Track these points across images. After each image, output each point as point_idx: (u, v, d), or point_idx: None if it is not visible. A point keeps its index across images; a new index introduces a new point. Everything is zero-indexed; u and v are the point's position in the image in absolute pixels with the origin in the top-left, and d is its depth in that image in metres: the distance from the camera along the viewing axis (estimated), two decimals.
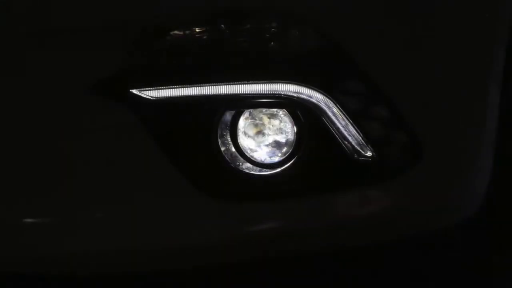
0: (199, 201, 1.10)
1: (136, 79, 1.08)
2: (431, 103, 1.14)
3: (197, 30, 1.09)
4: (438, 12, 1.13)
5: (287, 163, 1.12)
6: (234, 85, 1.08)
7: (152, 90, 1.07)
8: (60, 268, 1.14)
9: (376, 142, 1.12)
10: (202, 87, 1.08)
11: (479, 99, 1.18)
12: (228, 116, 1.11)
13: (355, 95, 1.11)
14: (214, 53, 1.09)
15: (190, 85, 1.08)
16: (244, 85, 1.08)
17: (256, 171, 1.12)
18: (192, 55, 1.09)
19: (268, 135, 1.13)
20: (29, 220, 1.11)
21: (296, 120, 1.11)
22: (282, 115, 1.13)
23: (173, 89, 1.08)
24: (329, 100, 1.09)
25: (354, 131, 1.11)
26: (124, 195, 1.10)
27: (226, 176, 1.12)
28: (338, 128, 1.11)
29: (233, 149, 1.11)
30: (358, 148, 1.12)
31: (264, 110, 1.12)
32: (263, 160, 1.13)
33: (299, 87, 1.09)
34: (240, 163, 1.13)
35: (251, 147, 1.13)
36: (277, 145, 1.13)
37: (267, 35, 1.09)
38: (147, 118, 1.08)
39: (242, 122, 1.12)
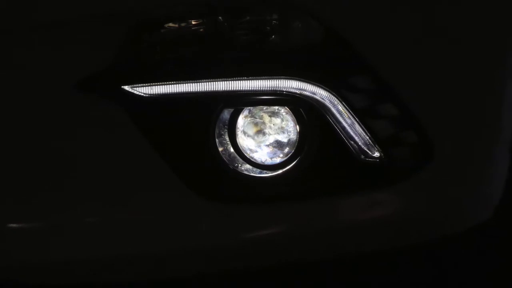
0: (196, 205, 1.08)
1: (128, 74, 1.05)
2: (443, 101, 1.12)
3: (193, 23, 1.07)
4: (451, 5, 1.11)
5: (289, 164, 1.09)
6: (232, 81, 1.06)
7: (145, 86, 1.05)
8: (49, 277, 1.11)
9: (384, 142, 1.10)
10: (198, 83, 1.05)
11: (493, 97, 1.15)
12: (226, 114, 1.09)
13: (362, 91, 1.09)
14: (211, 47, 1.07)
15: (186, 81, 1.05)
16: (243, 81, 1.06)
17: (256, 173, 1.10)
18: (188, 49, 1.07)
19: (269, 134, 1.10)
20: (13, 224, 1.08)
21: (298, 119, 1.09)
22: (283, 113, 1.10)
23: (168, 86, 1.05)
24: (334, 97, 1.07)
25: (361, 130, 1.09)
26: (116, 198, 1.07)
27: (224, 178, 1.09)
28: (343, 127, 1.08)
29: (232, 150, 1.09)
30: (365, 149, 1.10)
31: (264, 108, 1.10)
32: (263, 161, 1.10)
33: (302, 83, 1.06)
34: (239, 165, 1.10)
35: (250, 147, 1.10)
36: (278, 145, 1.10)
37: (268, 28, 1.07)
38: (140, 116, 1.05)
39: (241, 121, 1.09)
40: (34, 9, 1.05)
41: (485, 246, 1.30)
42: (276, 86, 1.06)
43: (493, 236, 1.28)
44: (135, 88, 1.04)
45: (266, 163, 1.10)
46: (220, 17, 1.06)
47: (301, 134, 1.08)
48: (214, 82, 1.05)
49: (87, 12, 1.05)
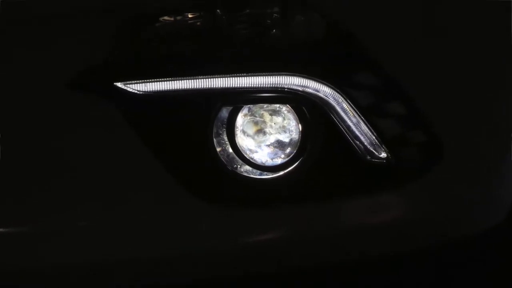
0: (193, 208, 1.06)
1: (121, 70, 1.04)
2: (452, 98, 1.11)
3: (190, 16, 1.06)
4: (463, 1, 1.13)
5: (291, 165, 1.08)
6: (231, 78, 1.04)
7: (140, 83, 1.03)
8: (47, 281, 1.08)
9: (391, 142, 1.08)
10: (195, 80, 1.04)
11: (505, 94, 1.14)
12: (224, 112, 1.07)
13: (368, 89, 1.08)
14: (209, 42, 1.06)
15: (182, 78, 1.04)
16: (243, 78, 1.04)
17: (256, 174, 1.09)
18: (184, 44, 1.06)
19: (270, 134, 1.09)
20: (8, 228, 1.06)
21: (301, 117, 1.07)
22: (285, 112, 1.08)
23: (163, 82, 1.04)
24: (338, 95, 1.05)
25: (367, 129, 1.07)
26: (109, 201, 1.05)
27: (222, 180, 1.07)
28: (348, 126, 1.07)
29: (231, 150, 1.08)
30: (371, 149, 1.09)
31: (265, 106, 1.09)
32: (264, 162, 1.08)
33: (304, 79, 1.05)
34: (238, 165, 1.08)
35: (250, 147, 1.08)
36: (279, 145, 1.09)
37: (268, 22, 1.06)
38: (134, 114, 1.04)
39: (240, 120, 1.08)
40: (27, 3, 1.05)
41: (487, 246, 1.28)
42: (277, 83, 1.05)
43: (496, 237, 1.26)
44: (128, 85, 1.03)
45: (266, 164, 1.08)
46: (218, 11, 1.05)
47: (303, 133, 1.07)
48: (211, 79, 1.04)
49: (79, 4, 1.05)
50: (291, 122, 1.08)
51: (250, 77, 1.04)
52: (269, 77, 1.04)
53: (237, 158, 1.07)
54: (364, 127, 1.07)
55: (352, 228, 1.11)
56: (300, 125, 1.07)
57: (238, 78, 1.04)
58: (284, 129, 1.08)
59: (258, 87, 1.05)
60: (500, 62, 1.13)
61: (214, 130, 1.06)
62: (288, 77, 1.04)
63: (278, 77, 1.04)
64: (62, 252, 1.05)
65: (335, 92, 1.05)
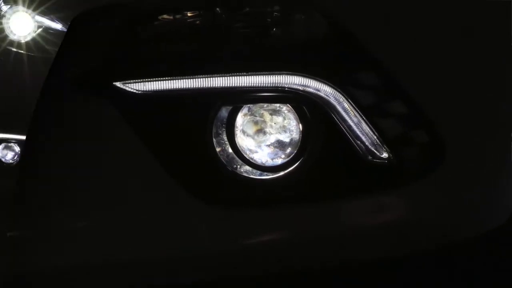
0: (192, 209, 1.05)
1: (120, 70, 1.04)
2: (455, 98, 1.10)
3: (189, 15, 1.06)
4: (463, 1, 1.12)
5: (291, 165, 1.07)
6: (231, 77, 1.04)
7: (138, 82, 1.03)
8: (44, 284, 1.08)
9: (393, 142, 1.08)
10: (194, 79, 1.03)
11: (505, 96, 1.13)
12: (224, 112, 1.07)
13: (369, 88, 1.07)
14: (208, 41, 1.06)
15: (181, 77, 1.04)
16: (243, 77, 1.04)
17: (256, 175, 1.08)
18: (183, 43, 1.07)
19: (270, 134, 1.08)
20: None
21: (301, 117, 1.07)
22: (285, 111, 1.08)
23: (162, 82, 1.04)
24: (339, 94, 1.05)
25: (368, 129, 1.07)
26: (108, 201, 1.05)
27: (222, 181, 1.07)
28: (349, 126, 1.06)
29: (230, 150, 1.07)
30: (373, 149, 1.08)
31: (265, 105, 1.08)
32: (264, 162, 1.08)
33: (305, 79, 1.04)
34: (238, 166, 1.08)
35: (250, 147, 1.08)
36: (280, 145, 1.08)
37: (269, 20, 1.06)
38: (133, 114, 1.04)
39: (240, 119, 1.08)
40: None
41: (489, 248, 1.27)
42: (277, 82, 1.04)
43: (498, 239, 1.25)
44: (127, 85, 1.03)
45: (266, 164, 1.08)
46: (218, 10, 1.05)
47: (304, 133, 1.06)
48: (211, 78, 1.03)
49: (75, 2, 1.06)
50: (291, 121, 1.08)
51: (250, 77, 1.04)
52: (269, 76, 1.04)
53: (237, 158, 1.07)
54: (365, 126, 1.06)
55: (353, 228, 1.10)
56: (300, 125, 1.07)
57: (238, 77, 1.04)
58: (284, 129, 1.08)
59: (258, 87, 1.04)
60: (500, 62, 1.12)
61: (214, 130, 1.06)
62: (288, 77, 1.04)
63: (279, 76, 1.04)
64: (62, 253, 1.05)
65: (336, 92, 1.05)
